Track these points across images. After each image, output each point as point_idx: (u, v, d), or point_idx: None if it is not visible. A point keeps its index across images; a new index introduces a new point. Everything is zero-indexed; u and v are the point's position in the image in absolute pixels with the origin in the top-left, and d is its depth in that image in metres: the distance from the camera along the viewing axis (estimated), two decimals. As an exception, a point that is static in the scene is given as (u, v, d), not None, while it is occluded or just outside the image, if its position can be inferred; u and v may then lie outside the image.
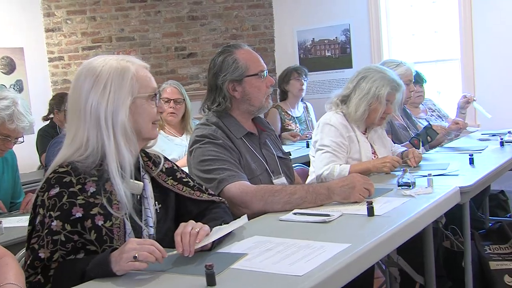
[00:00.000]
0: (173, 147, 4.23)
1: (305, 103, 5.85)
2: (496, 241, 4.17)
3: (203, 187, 2.19)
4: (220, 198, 2.23)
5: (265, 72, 2.70)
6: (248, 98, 2.65)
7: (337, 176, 2.99)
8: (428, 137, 3.79)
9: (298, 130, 5.56)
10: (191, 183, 2.14)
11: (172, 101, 4.30)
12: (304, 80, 5.68)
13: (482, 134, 4.70)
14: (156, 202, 2.01)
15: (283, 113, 5.60)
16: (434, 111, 5.03)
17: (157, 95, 1.99)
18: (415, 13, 6.49)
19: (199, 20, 7.18)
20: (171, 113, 4.31)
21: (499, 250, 4.13)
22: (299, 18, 7.08)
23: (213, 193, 2.22)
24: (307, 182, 3.28)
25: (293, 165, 3.49)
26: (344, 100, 3.29)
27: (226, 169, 2.44)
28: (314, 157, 3.26)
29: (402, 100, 3.89)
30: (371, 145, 3.34)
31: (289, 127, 5.55)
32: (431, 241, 2.57)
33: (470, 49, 5.93)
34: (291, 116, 5.64)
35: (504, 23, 5.75)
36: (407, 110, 4.37)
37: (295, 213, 2.25)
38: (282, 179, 2.73)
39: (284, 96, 5.78)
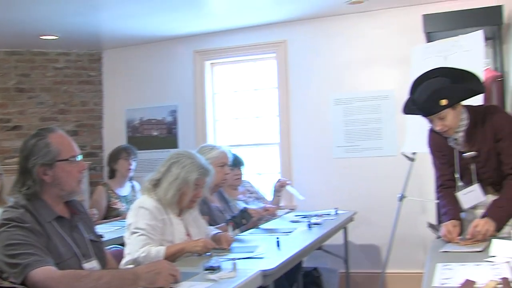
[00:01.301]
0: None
1: (132, 182, 5.86)
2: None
3: (4, 274, 2.14)
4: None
5: (77, 157, 2.71)
6: (58, 183, 2.64)
7: (154, 258, 3.05)
8: (243, 220, 3.99)
9: (124, 209, 5.53)
10: None
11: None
12: (133, 160, 5.69)
13: (295, 215, 5.00)
14: None
15: (109, 191, 5.55)
16: (252, 193, 5.26)
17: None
18: (239, 98, 6.82)
19: (26, 93, 7.02)
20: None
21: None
22: (129, 96, 7.17)
23: (14, 281, 2.17)
24: (121, 264, 3.28)
25: (109, 247, 3.51)
26: (156, 183, 3.38)
27: (32, 254, 2.39)
28: (129, 239, 3.27)
29: (212, 183, 4.08)
30: (185, 227, 3.44)
31: (115, 206, 5.50)
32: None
33: (287, 134, 6.35)
34: (118, 195, 5.61)
35: (316, 112, 6.26)
36: (223, 194, 4.55)
37: (99, 300, 2.26)
38: (93, 263, 2.72)
39: (112, 174, 5.75)
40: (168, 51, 6.97)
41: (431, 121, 3.21)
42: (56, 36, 6.41)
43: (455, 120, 3.17)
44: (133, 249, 3.18)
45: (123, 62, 7.21)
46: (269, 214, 4.30)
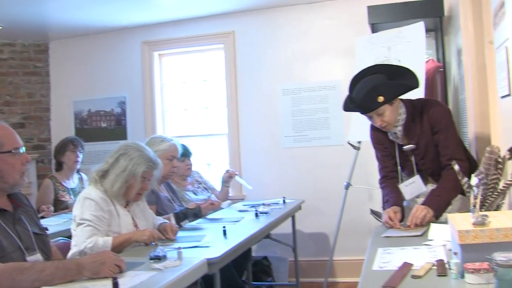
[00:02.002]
0: None
1: (80, 174, 5.80)
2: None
3: None
4: None
5: (20, 149, 2.69)
6: (1, 175, 2.60)
7: (102, 248, 3.05)
8: (195, 214, 4.04)
9: (72, 202, 5.47)
10: None
11: None
12: (80, 152, 5.63)
13: (243, 205, 5.05)
14: None
15: (57, 184, 5.49)
16: (201, 183, 5.28)
17: None
18: (187, 89, 6.82)
19: (-30, 85, 6.86)
20: None
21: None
22: (76, 88, 7.07)
23: None
24: (68, 256, 3.27)
25: (56, 239, 3.49)
26: (104, 175, 3.37)
27: (-26, 248, 2.39)
28: (75, 231, 3.25)
29: (160, 175, 4.10)
30: (132, 218, 3.45)
31: (63, 199, 5.45)
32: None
33: (236, 125, 6.39)
34: (65, 187, 5.55)
35: (264, 103, 6.31)
36: (171, 185, 4.56)
37: (42, 291, 2.26)
38: (37, 256, 2.70)
39: (59, 167, 5.68)
40: (116, 42, 6.90)
41: (370, 118, 3.31)
42: (0, 26, 6.27)
43: (393, 115, 3.27)
44: (80, 240, 3.16)
45: (71, 53, 7.10)
46: (214, 208, 4.33)
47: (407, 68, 3.33)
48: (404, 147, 3.37)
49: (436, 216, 3.17)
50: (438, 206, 3.18)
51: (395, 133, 3.36)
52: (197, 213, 4.09)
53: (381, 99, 3.17)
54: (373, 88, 3.18)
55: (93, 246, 3.10)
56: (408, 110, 3.32)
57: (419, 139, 3.32)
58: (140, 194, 3.44)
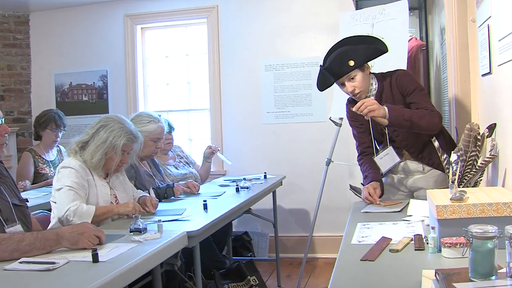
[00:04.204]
0: None
1: (59, 146, 5.76)
2: (234, 279, 4.51)
3: None
4: None
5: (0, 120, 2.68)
6: (-21, 146, 2.61)
7: (85, 213, 3.06)
8: (166, 194, 4.03)
9: (52, 174, 5.45)
10: None
11: None
12: (60, 132, 5.58)
13: (224, 180, 5.07)
14: None
15: (36, 157, 5.46)
16: (182, 157, 5.28)
17: None
18: (170, 64, 6.78)
19: None
20: None
21: (237, 287, 4.48)
22: (57, 61, 6.98)
23: None
24: (48, 228, 3.25)
25: (36, 212, 3.48)
26: (84, 146, 3.35)
27: (-49, 219, 2.37)
28: (55, 202, 3.23)
29: (143, 155, 4.10)
30: (112, 189, 3.44)
31: (43, 171, 5.42)
32: (159, 283, 2.71)
33: (218, 100, 6.37)
34: (45, 160, 5.52)
35: (247, 78, 6.29)
36: (154, 159, 4.54)
37: (21, 262, 2.24)
38: (17, 227, 2.70)
39: (37, 138, 5.63)
40: (98, 15, 6.81)
41: (342, 86, 3.32)
42: (-21, -3, 6.18)
43: (365, 83, 3.29)
44: (63, 204, 3.13)
45: (52, 25, 7.00)
46: (190, 190, 4.30)
47: (377, 38, 3.39)
48: None
49: (385, 116, 3.09)
50: (392, 109, 3.11)
51: None
52: (168, 192, 4.06)
53: (351, 63, 3.20)
54: (343, 52, 3.23)
55: (76, 209, 3.08)
56: (379, 82, 3.35)
57: None
58: (119, 166, 3.43)
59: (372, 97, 3.32)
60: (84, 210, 3.09)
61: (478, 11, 3.15)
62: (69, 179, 3.20)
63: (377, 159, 3.44)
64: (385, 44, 3.30)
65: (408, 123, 3.13)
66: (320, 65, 3.38)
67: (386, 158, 3.40)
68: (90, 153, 3.30)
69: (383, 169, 3.43)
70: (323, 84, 3.39)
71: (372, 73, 3.39)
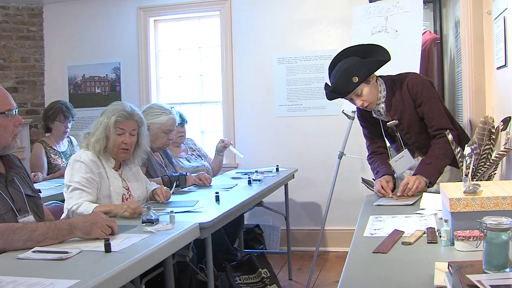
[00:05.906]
0: None
1: (69, 137, 5.78)
2: (246, 271, 4.50)
3: None
4: None
5: (13, 111, 2.68)
6: (-7, 137, 2.62)
7: (84, 212, 3.07)
8: (177, 182, 4.03)
9: (64, 165, 5.48)
10: None
11: None
12: (69, 123, 5.61)
13: (236, 172, 5.07)
14: None
15: (48, 148, 5.48)
16: (194, 150, 5.28)
17: None
18: (182, 56, 6.77)
19: (-37, 48, 6.79)
20: None
21: (248, 280, 4.47)
22: (71, 53, 7.00)
23: None
24: (61, 218, 3.28)
25: (49, 203, 3.49)
26: (88, 136, 3.44)
27: (-35, 209, 2.39)
28: (66, 193, 3.29)
29: (155, 147, 4.13)
30: (125, 181, 3.46)
31: (55, 162, 5.46)
32: (171, 274, 2.72)
33: (230, 93, 6.36)
34: (57, 151, 5.55)
35: (259, 71, 6.28)
36: (167, 151, 4.57)
37: (34, 251, 2.26)
38: (30, 218, 2.71)
39: (48, 130, 5.67)
40: (111, 7, 6.82)
41: (351, 101, 3.33)
42: (-7, -11, 6.21)
43: (372, 93, 3.28)
44: (69, 203, 3.22)
45: (65, 17, 7.01)
46: (203, 183, 4.30)
47: (378, 45, 3.36)
48: (388, 123, 3.37)
49: (429, 184, 3.18)
50: (429, 174, 3.18)
51: (379, 110, 3.38)
52: (181, 180, 4.07)
53: (355, 79, 3.19)
54: (346, 70, 3.21)
55: (76, 209, 3.14)
56: (388, 86, 3.34)
57: (401, 113, 3.33)
58: (124, 150, 3.43)
59: (382, 105, 3.32)
60: (82, 211, 3.11)
61: (494, 3, 3.13)
62: (79, 174, 3.25)
63: (392, 162, 3.45)
64: (388, 52, 3.28)
65: (444, 167, 3.23)
66: (326, 83, 3.40)
67: (402, 161, 3.41)
68: (94, 140, 3.37)
69: (398, 171, 3.44)
70: (331, 98, 3.42)
71: (380, 76, 3.37)
